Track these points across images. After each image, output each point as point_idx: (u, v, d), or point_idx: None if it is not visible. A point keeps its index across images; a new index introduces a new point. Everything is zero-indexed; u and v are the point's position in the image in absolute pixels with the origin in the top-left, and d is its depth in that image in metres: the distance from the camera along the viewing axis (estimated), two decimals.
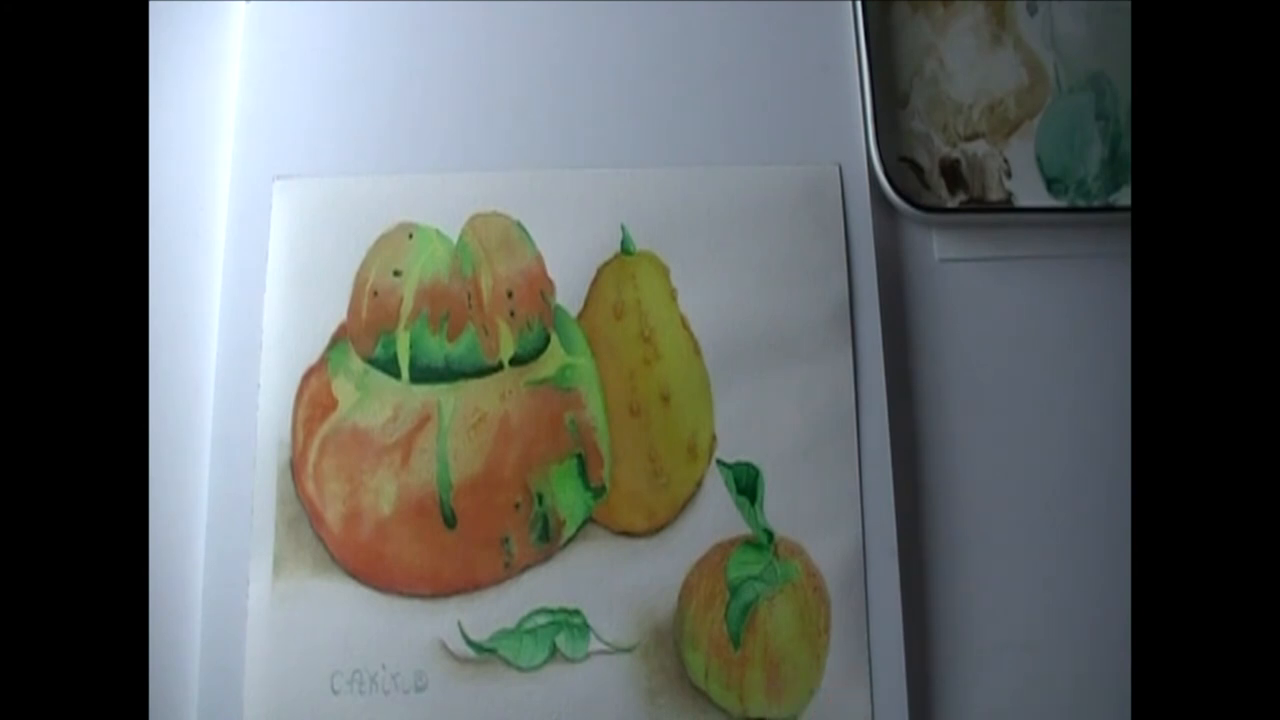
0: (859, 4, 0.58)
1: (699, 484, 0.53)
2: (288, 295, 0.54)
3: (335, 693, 0.50)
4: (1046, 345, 0.57)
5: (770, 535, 0.52)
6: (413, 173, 0.56)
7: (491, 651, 0.50)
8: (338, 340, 0.53)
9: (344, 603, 0.50)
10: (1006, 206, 0.59)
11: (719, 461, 0.53)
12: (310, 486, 0.52)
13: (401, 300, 0.54)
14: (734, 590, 0.52)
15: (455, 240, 0.55)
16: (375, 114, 0.57)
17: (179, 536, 0.51)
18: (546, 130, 0.57)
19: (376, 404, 0.53)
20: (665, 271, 0.55)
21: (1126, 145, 0.60)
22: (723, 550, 0.52)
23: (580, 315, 0.54)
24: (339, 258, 0.54)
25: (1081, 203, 0.59)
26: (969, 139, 0.60)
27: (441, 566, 0.51)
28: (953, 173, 0.59)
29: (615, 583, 0.51)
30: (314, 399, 0.53)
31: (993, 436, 0.56)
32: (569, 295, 0.54)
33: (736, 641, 0.51)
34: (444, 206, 0.55)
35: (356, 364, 0.53)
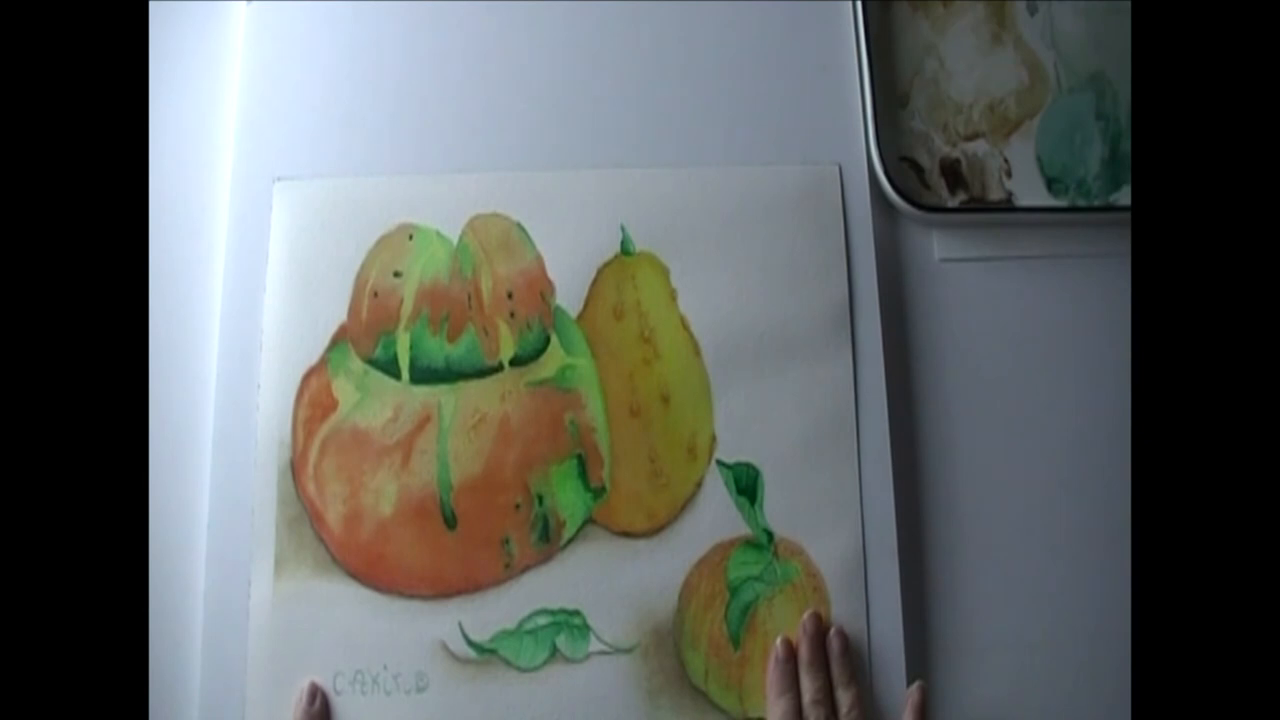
0: (859, 4, 0.58)
1: (699, 484, 0.53)
2: (288, 296, 0.54)
3: (337, 693, 0.50)
4: (1046, 345, 0.57)
5: (770, 535, 0.53)
6: (413, 174, 0.56)
7: (492, 652, 0.51)
8: (338, 341, 0.53)
9: (345, 603, 0.51)
10: (1006, 206, 0.59)
11: (719, 462, 0.53)
12: (311, 487, 0.52)
13: (402, 301, 0.54)
14: (734, 590, 0.52)
15: (455, 241, 0.55)
16: (376, 115, 0.57)
17: (180, 537, 0.52)
18: (546, 131, 0.57)
19: (377, 405, 0.53)
20: (665, 272, 0.55)
21: (1126, 145, 0.60)
22: (723, 550, 0.52)
23: (580, 316, 0.54)
24: (339, 259, 0.54)
25: (1081, 203, 0.59)
26: (969, 139, 0.60)
27: (442, 567, 0.51)
28: (953, 172, 0.59)
29: (615, 583, 0.52)
30: (314, 399, 0.53)
31: (993, 436, 0.56)
32: (569, 296, 0.54)
33: (736, 642, 0.51)
34: (444, 208, 0.55)
35: (357, 365, 0.53)
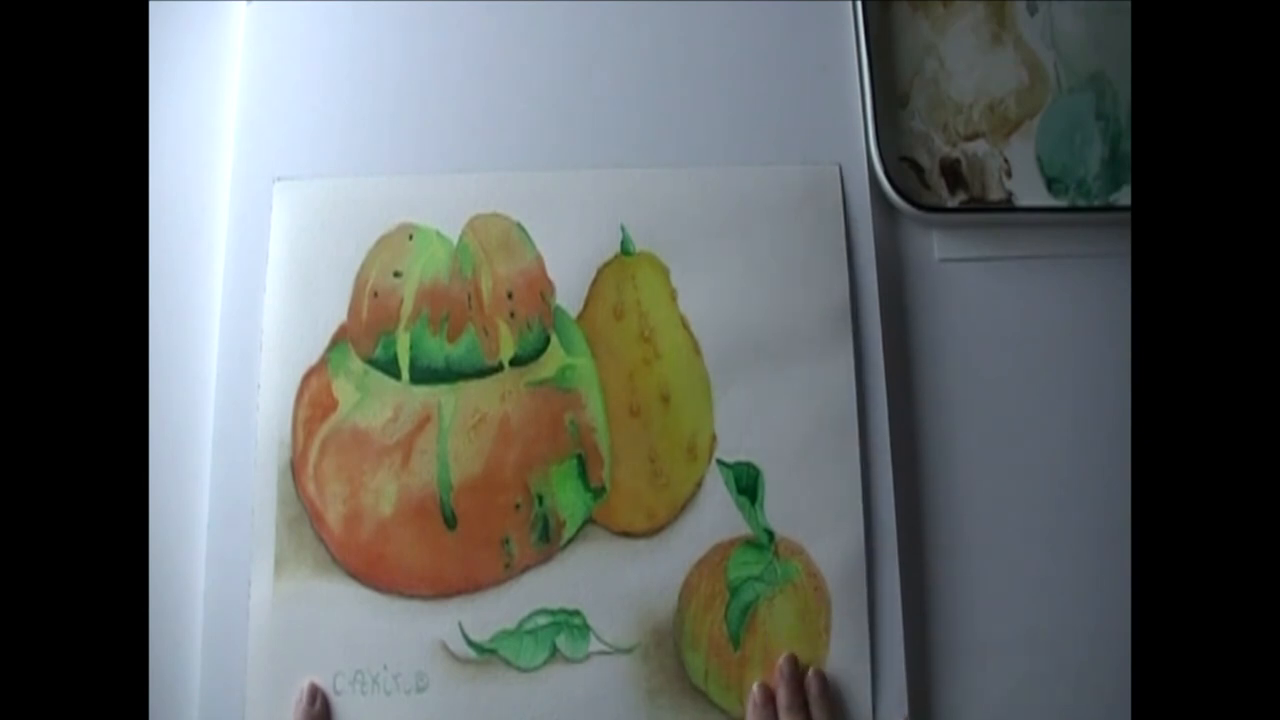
0: (859, 4, 0.58)
1: (699, 484, 0.53)
2: (288, 296, 0.54)
3: (338, 693, 0.50)
4: (1046, 345, 0.57)
5: (770, 535, 0.53)
6: (413, 174, 0.56)
7: (492, 652, 0.51)
8: (338, 341, 0.53)
9: (345, 603, 0.51)
10: (1006, 206, 0.59)
11: (719, 461, 0.53)
12: (311, 487, 0.52)
13: (402, 301, 0.54)
14: (734, 590, 0.52)
15: (455, 241, 0.55)
16: (376, 115, 0.57)
17: (180, 537, 0.52)
18: (547, 131, 0.57)
19: (377, 404, 0.53)
20: (665, 272, 0.55)
21: (1126, 145, 0.60)
22: (723, 550, 0.52)
23: (580, 316, 0.54)
24: (339, 259, 0.54)
25: (1081, 203, 0.59)
26: (969, 139, 0.60)
27: (442, 567, 0.51)
28: (953, 172, 0.59)
29: (615, 583, 0.52)
30: (314, 399, 0.53)
31: (993, 436, 0.56)
32: (569, 296, 0.54)
33: (736, 642, 0.51)
34: (444, 207, 0.55)
35: (357, 365, 0.53)
